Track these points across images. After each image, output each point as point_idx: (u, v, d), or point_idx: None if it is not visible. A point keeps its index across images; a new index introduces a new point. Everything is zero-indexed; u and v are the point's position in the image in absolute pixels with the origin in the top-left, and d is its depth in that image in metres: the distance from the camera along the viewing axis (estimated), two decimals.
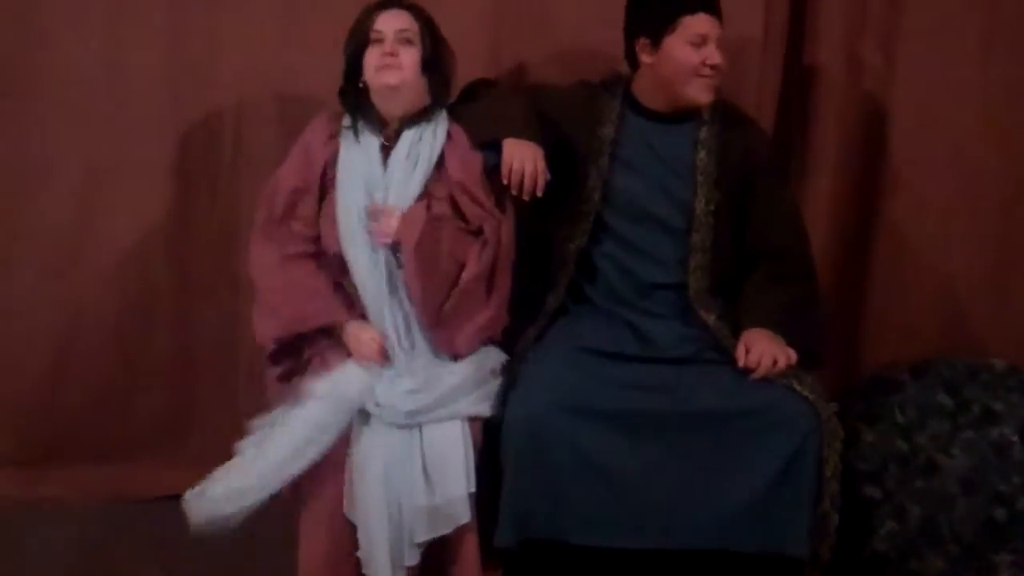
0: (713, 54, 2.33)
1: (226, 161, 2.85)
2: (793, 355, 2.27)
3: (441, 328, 2.28)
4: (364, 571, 2.18)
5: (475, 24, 2.73)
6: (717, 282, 2.44)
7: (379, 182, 2.31)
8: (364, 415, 2.21)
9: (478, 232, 2.31)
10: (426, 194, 2.31)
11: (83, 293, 2.86)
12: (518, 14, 2.79)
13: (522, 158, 2.30)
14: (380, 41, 2.29)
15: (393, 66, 2.27)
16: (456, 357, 2.30)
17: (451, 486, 2.18)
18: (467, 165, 2.33)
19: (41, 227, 2.83)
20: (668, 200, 2.43)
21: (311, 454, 2.15)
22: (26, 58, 2.75)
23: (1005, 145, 2.86)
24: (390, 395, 2.20)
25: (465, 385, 2.26)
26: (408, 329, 2.29)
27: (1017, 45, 2.82)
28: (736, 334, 2.34)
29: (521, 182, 2.29)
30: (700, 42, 2.33)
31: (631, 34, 2.42)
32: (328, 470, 2.18)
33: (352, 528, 2.18)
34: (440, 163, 2.33)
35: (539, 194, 2.31)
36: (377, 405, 2.20)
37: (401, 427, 2.19)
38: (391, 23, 2.30)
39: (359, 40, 2.31)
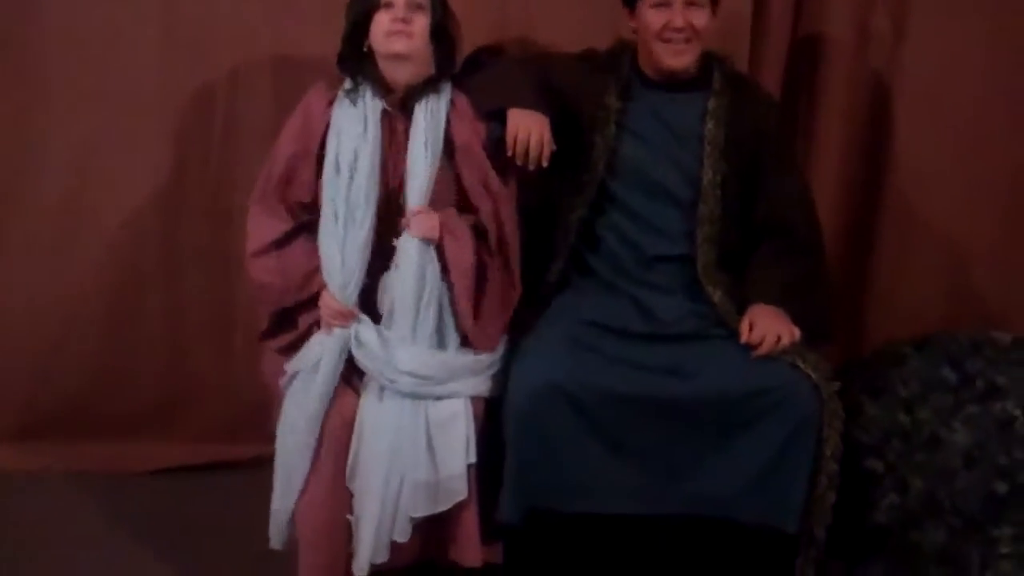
0: (676, 16, 2.32)
1: (219, 134, 2.84)
2: (797, 332, 2.27)
3: (479, 329, 2.28)
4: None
5: None
6: (724, 256, 2.43)
7: (371, 148, 2.25)
8: (375, 386, 2.20)
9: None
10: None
11: (77, 268, 2.86)
12: None
13: (527, 128, 2.28)
14: (390, 6, 2.24)
15: (404, 33, 2.23)
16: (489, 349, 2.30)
17: (453, 462, 2.18)
18: (474, 131, 2.31)
19: (35, 202, 2.82)
20: (675, 170, 2.41)
21: (314, 428, 2.17)
22: (20, 32, 2.73)
23: (1012, 119, 2.85)
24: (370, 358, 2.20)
25: (473, 367, 2.26)
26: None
27: None
28: (741, 310, 2.33)
29: (526, 153, 2.28)
30: (664, 3, 2.32)
31: (625, 2, 2.44)
32: (330, 438, 2.18)
33: (351, 497, 2.18)
34: (447, 134, 2.30)
35: (544, 164, 2.29)
36: (391, 381, 2.19)
37: (406, 396, 2.19)
38: None
39: (367, 3, 2.26)
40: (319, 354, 2.20)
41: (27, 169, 2.80)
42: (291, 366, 2.24)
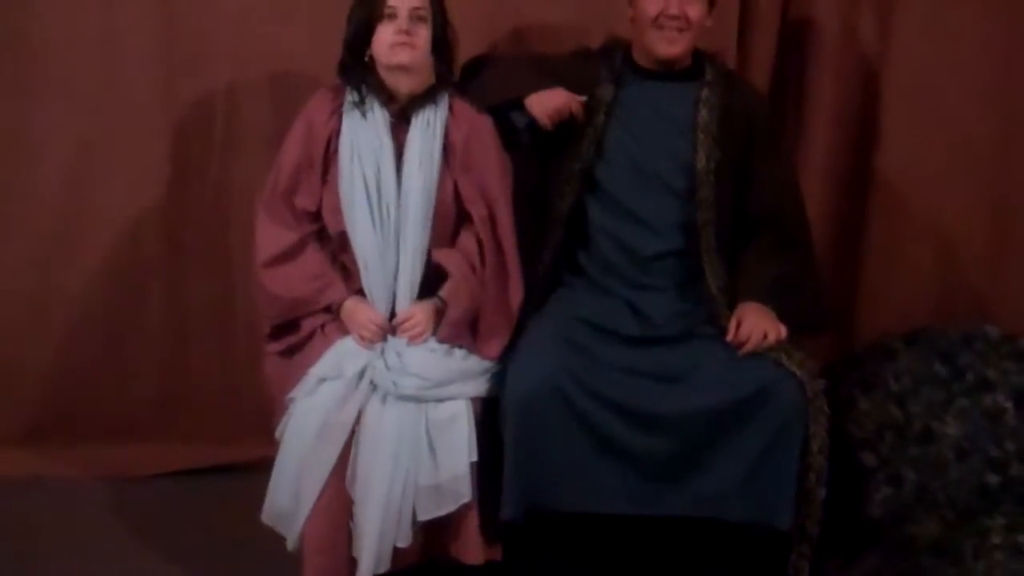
0: (671, 5, 2.34)
1: (219, 134, 2.83)
2: (783, 330, 2.28)
3: (482, 343, 2.32)
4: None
5: None
6: (722, 245, 2.43)
7: (389, 158, 2.28)
8: (376, 390, 2.21)
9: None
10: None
11: (76, 269, 2.85)
12: None
13: (551, 98, 2.36)
14: (393, 17, 2.24)
15: (408, 45, 2.24)
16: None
17: (455, 464, 2.19)
18: (473, 126, 2.34)
19: (34, 203, 2.81)
20: (668, 158, 2.42)
21: (338, 436, 2.16)
22: (20, 33, 2.71)
23: (1001, 113, 2.87)
24: (386, 374, 2.21)
25: (476, 369, 2.28)
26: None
27: (1014, 6, 2.83)
28: (732, 307, 2.35)
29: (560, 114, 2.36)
30: None
31: None
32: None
33: (351, 502, 2.18)
34: (445, 141, 2.32)
35: (575, 111, 2.38)
36: (394, 384, 2.20)
37: (407, 399, 2.19)
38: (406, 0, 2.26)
39: (369, 13, 2.26)
40: (351, 363, 2.21)
41: (27, 170, 2.79)
42: (315, 372, 2.22)
